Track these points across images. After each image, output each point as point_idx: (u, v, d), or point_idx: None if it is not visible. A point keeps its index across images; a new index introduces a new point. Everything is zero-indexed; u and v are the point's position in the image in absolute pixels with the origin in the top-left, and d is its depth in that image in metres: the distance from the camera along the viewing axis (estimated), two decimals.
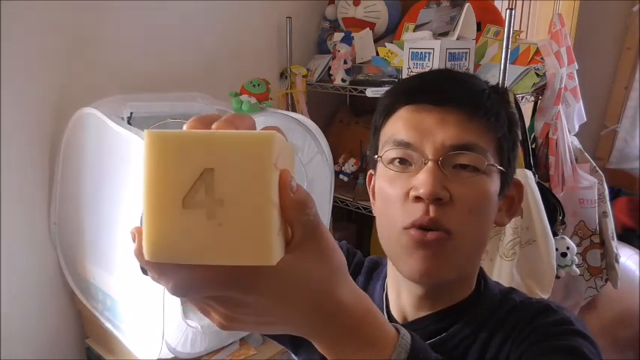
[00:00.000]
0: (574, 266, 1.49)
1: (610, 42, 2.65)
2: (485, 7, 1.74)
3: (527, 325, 0.58)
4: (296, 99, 1.98)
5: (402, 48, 1.66)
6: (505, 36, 1.42)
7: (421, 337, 0.42)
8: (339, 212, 2.08)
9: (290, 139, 0.36)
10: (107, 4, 1.51)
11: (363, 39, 1.91)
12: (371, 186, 0.68)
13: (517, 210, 0.66)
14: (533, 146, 1.69)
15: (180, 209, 0.29)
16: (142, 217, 0.30)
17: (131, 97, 1.45)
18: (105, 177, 1.33)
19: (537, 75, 1.60)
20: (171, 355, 1.29)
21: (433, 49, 1.50)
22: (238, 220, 0.29)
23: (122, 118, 1.36)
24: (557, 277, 1.46)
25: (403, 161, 0.59)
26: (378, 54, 1.83)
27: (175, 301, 1.24)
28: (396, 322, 0.65)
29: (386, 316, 0.59)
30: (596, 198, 1.72)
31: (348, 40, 1.89)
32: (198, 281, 0.31)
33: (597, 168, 1.78)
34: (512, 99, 1.46)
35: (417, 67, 1.56)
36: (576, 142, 1.80)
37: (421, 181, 0.56)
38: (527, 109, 1.76)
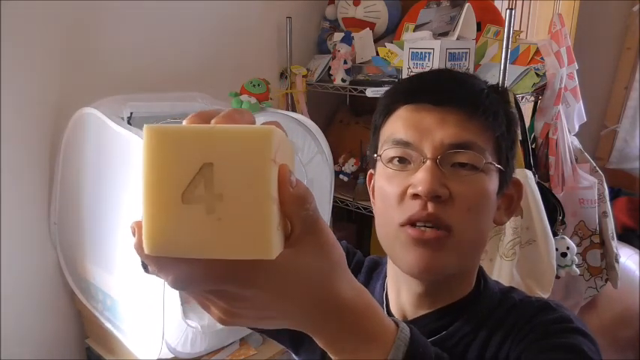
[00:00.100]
0: (574, 266, 1.49)
1: (610, 42, 2.65)
2: (485, 7, 1.74)
3: (527, 324, 0.58)
4: (296, 99, 1.98)
5: (402, 48, 1.66)
6: (505, 36, 1.42)
7: None
8: (339, 212, 2.08)
9: (290, 139, 0.36)
10: (107, 5, 1.51)
11: (363, 39, 1.91)
12: (371, 185, 0.68)
13: (516, 209, 0.67)
14: (533, 146, 1.69)
15: (180, 204, 0.29)
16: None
17: (131, 97, 1.45)
18: (105, 177, 1.33)
19: (537, 75, 1.60)
20: (171, 355, 1.29)
21: (433, 49, 1.50)
22: (237, 214, 0.29)
23: (122, 118, 1.36)
24: (557, 277, 1.46)
25: (402, 160, 0.60)
26: (378, 54, 1.83)
27: (175, 301, 1.25)
28: (392, 317, 0.66)
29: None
30: (596, 198, 1.72)
31: (348, 40, 1.89)
32: (198, 275, 0.31)
33: (597, 168, 1.78)
34: (512, 99, 1.46)
35: (417, 67, 1.56)
36: (576, 142, 1.80)
37: (419, 179, 0.56)
38: (527, 109, 1.76)
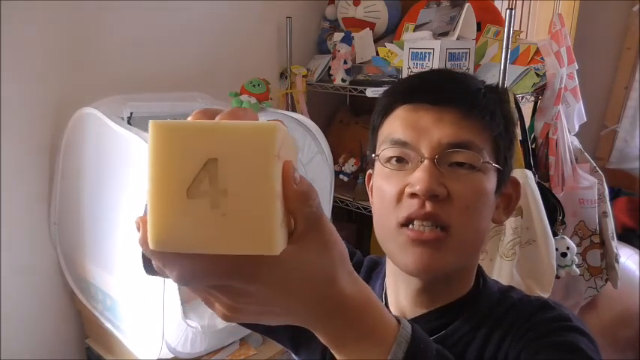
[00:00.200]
0: (574, 266, 1.49)
1: (610, 42, 2.65)
2: (485, 7, 1.74)
3: (526, 322, 0.58)
4: (296, 99, 1.98)
5: (402, 48, 1.66)
6: (505, 36, 1.42)
7: None
8: (339, 212, 2.08)
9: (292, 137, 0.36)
10: (107, 4, 1.51)
11: (363, 39, 1.91)
12: (370, 185, 0.69)
13: (514, 208, 0.67)
14: (533, 146, 1.69)
15: (185, 199, 0.30)
16: (146, 207, 0.30)
17: (131, 97, 1.45)
18: (105, 177, 1.33)
19: (537, 75, 1.60)
20: (171, 355, 1.29)
21: (433, 49, 1.50)
22: (242, 210, 0.30)
23: (122, 118, 1.36)
24: (557, 277, 1.46)
25: (400, 160, 0.60)
26: (378, 54, 1.83)
27: (175, 301, 1.25)
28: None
29: None
30: (596, 198, 1.72)
31: (348, 40, 1.89)
32: (202, 270, 0.31)
33: (597, 168, 1.78)
34: (512, 99, 1.47)
35: (417, 67, 1.56)
36: (576, 142, 1.80)
37: (417, 178, 0.56)
38: (527, 109, 1.76)
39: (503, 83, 1.45)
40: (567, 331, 0.55)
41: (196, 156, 0.30)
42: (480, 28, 1.70)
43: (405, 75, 1.61)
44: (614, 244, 1.76)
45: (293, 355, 0.73)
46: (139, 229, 0.32)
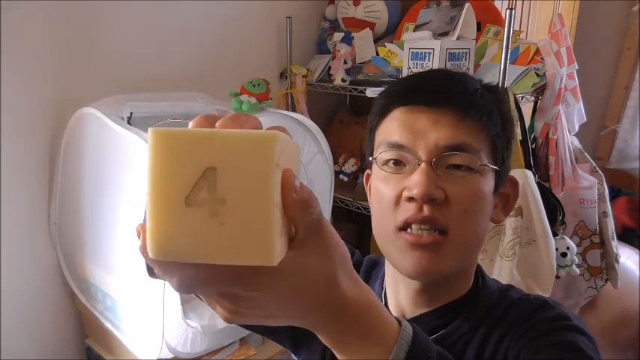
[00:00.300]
0: (574, 266, 1.49)
1: (610, 42, 2.65)
2: (485, 7, 1.74)
3: (525, 322, 0.58)
4: (296, 99, 1.98)
5: (402, 48, 1.66)
6: (505, 36, 1.42)
7: None
8: (339, 212, 2.08)
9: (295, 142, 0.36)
10: (107, 5, 1.51)
11: (363, 39, 1.91)
12: (368, 185, 0.69)
13: (513, 207, 0.67)
14: (533, 146, 1.68)
15: (183, 207, 0.29)
16: (145, 213, 0.30)
17: (131, 97, 1.45)
18: (105, 177, 1.33)
19: (537, 75, 1.60)
20: (171, 355, 1.29)
21: (433, 49, 1.50)
22: (240, 219, 0.29)
23: (122, 118, 1.36)
24: (557, 277, 1.46)
25: (397, 162, 0.60)
26: (378, 54, 1.83)
27: (175, 301, 1.25)
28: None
29: None
30: (596, 198, 1.72)
31: (348, 40, 1.89)
32: (202, 279, 0.31)
33: (597, 168, 1.78)
34: (512, 99, 1.47)
35: (417, 67, 1.56)
36: (576, 142, 1.80)
37: (414, 181, 0.56)
38: (527, 109, 1.76)
39: (503, 83, 1.45)
40: (567, 330, 0.56)
41: (195, 164, 0.29)
42: (480, 28, 1.70)
43: (405, 75, 1.61)
44: (614, 244, 1.76)
45: (293, 355, 0.73)
46: (139, 237, 0.32)
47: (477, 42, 1.65)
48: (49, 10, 1.40)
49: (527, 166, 1.51)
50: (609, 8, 2.63)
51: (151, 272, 0.34)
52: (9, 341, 1.48)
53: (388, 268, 0.68)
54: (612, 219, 1.78)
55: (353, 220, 2.24)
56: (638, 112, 2.60)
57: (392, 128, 0.61)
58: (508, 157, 0.63)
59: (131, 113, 1.41)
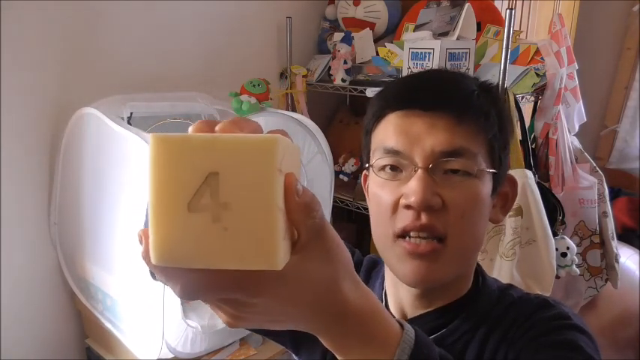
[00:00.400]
0: (574, 266, 1.49)
1: (610, 42, 2.65)
2: (485, 7, 1.74)
3: (526, 321, 0.58)
4: (296, 99, 1.98)
5: (402, 48, 1.66)
6: (505, 36, 1.42)
7: None
8: (339, 212, 2.08)
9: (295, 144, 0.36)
10: (107, 4, 1.51)
11: (363, 39, 1.91)
12: (366, 186, 0.68)
13: (512, 206, 0.67)
14: (533, 146, 1.68)
15: (186, 213, 0.29)
16: (146, 217, 0.30)
17: (131, 97, 1.45)
18: (105, 177, 1.33)
19: (537, 75, 1.60)
20: (171, 355, 1.29)
21: (433, 49, 1.50)
22: (243, 224, 0.29)
23: (122, 118, 1.36)
24: (557, 277, 1.46)
25: (394, 168, 0.59)
26: (378, 54, 1.83)
27: (175, 301, 1.25)
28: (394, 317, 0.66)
29: None
30: (596, 198, 1.72)
31: (348, 40, 1.89)
32: (205, 285, 0.31)
33: (597, 168, 1.78)
34: (512, 99, 1.47)
35: (417, 67, 1.56)
36: (576, 142, 1.80)
37: (411, 189, 0.56)
38: (527, 109, 1.76)
39: (503, 83, 1.45)
40: (567, 330, 0.56)
41: (197, 170, 0.29)
42: (480, 28, 1.70)
43: (404, 74, 1.61)
44: (614, 244, 1.76)
45: (294, 355, 0.73)
46: (141, 243, 0.32)
47: (477, 42, 1.65)
48: (49, 10, 1.40)
49: (527, 166, 1.51)
50: (609, 8, 2.63)
51: (154, 275, 0.34)
52: (9, 341, 1.48)
53: (388, 269, 0.68)
54: (612, 219, 1.78)
55: (353, 220, 2.23)
56: (638, 112, 2.60)
57: (388, 133, 0.60)
58: (506, 157, 0.63)
59: (131, 113, 1.41)
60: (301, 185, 0.32)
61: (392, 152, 0.59)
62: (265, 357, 1.52)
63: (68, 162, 1.43)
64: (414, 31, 1.82)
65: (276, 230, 0.30)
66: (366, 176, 0.68)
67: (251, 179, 0.29)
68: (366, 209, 0.57)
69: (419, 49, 1.55)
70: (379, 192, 0.60)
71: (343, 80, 1.88)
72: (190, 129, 0.33)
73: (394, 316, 0.63)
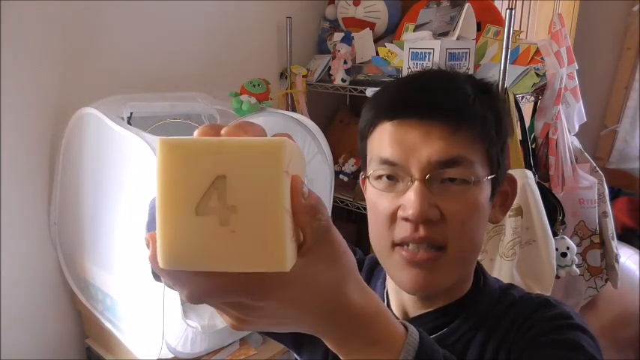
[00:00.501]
0: (574, 266, 1.49)
1: (610, 42, 2.65)
2: (485, 7, 1.74)
3: (527, 320, 0.58)
4: (296, 99, 1.98)
5: (402, 48, 1.66)
6: (505, 36, 1.42)
7: None
8: (339, 212, 2.08)
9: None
10: (107, 5, 1.51)
11: (363, 39, 1.91)
12: (364, 186, 0.68)
13: (511, 204, 0.66)
14: (533, 146, 1.68)
15: (194, 216, 0.30)
16: (148, 219, 0.30)
17: (131, 97, 1.45)
18: (105, 177, 1.33)
19: (537, 75, 1.60)
20: (171, 355, 1.29)
21: (433, 49, 1.50)
22: (251, 226, 0.30)
23: (122, 118, 1.36)
24: (557, 277, 1.46)
25: (391, 177, 0.59)
26: (378, 54, 1.83)
27: (175, 301, 1.25)
28: (397, 319, 0.66)
29: None
30: (596, 198, 1.72)
31: (348, 40, 1.89)
32: (212, 289, 0.31)
33: (597, 168, 1.78)
34: (512, 99, 1.47)
35: (417, 67, 1.56)
36: (576, 142, 1.80)
37: (409, 202, 0.55)
38: (527, 109, 1.76)
39: (503, 83, 1.45)
40: (568, 329, 0.56)
41: (205, 173, 0.30)
42: (480, 28, 1.70)
43: (404, 74, 1.61)
44: (614, 244, 1.76)
45: (295, 355, 0.74)
46: (148, 247, 0.32)
47: (477, 42, 1.65)
48: (49, 10, 1.39)
49: (527, 166, 1.51)
50: (609, 8, 2.63)
51: (155, 276, 0.34)
52: (9, 341, 1.48)
53: None
54: (612, 219, 1.78)
55: (353, 220, 2.23)
56: (638, 112, 2.60)
57: (383, 143, 0.59)
58: (504, 158, 0.62)
59: (131, 113, 1.41)
60: (307, 188, 0.33)
61: (388, 163, 0.58)
62: (265, 357, 1.52)
63: (68, 162, 1.43)
64: (414, 31, 1.82)
65: (283, 232, 0.30)
66: (365, 179, 0.68)
67: (259, 182, 0.29)
68: (366, 209, 0.57)
69: (419, 49, 1.55)
70: (377, 201, 0.60)
71: (343, 80, 1.88)
72: (196, 133, 0.33)
73: (397, 317, 0.63)
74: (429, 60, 1.52)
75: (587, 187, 1.71)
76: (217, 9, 1.78)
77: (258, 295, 0.32)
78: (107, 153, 1.32)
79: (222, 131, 0.32)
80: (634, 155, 2.65)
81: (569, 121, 1.74)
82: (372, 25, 1.94)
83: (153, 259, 0.31)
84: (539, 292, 1.41)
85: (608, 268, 1.78)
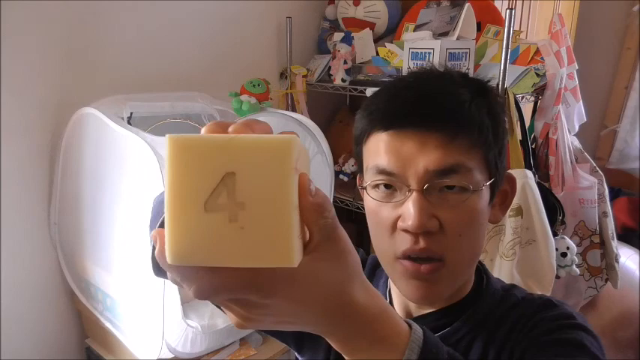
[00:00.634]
0: (574, 266, 1.49)
1: (610, 42, 2.65)
2: (485, 7, 1.74)
3: (529, 321, 0.58)
4: (296, 99, 1.98)
5: (402, 48, 1.66)
6: (505, 36, 1.42)
7: None
8: (339, 212, 2.08)
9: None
10: (107, 5, 1.51)
11: (363, 39, 1.91)
12: (363, 195, 0.68)
13: (510, 203, 0.66)
14: (533, 146, 1.68)
15: (203, 213, 0.30)
16: (150, 218, 0.30)
17: (131, 97, 1.45)
18: (105, 177, 1.33)
19: (537, 75, 1.60)
20: (171, 355, 1.29)
21: (433, 49, 1.50)
22: (260, 222, 0.30)
23: (122, 118, 1.36)
24: (557, 277, 1.46)
25: (388, 186, 0.58)
26: (378, 54, 1.83)
27: (175, 301, 1.25)
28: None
29: None
30: (596, 198, 1.72)
31: (348, 40, 1.89)
32: (220, 285, 0.32)
33: (597, 168, 1.78)
34: (512, 99, 1.47)
35: (417, 67, 1.55)
36: (576, 142, 1.80)
37: (408, 213, 0.55)
38: (527, 109, 1.76)
39: (503, 83, 1.45)
40: (571, 329, 0.56)
41: (214, 170, 0.30)
42: (480, 28, 1.70)
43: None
44: (614, 244, 1.76)
45: (296, 354, 0.74)
46: (156, 243, 0.32)
47: (477, 42, 1.65)
48: (49, 10, 1.40)
49: (527, 166, 1.51)
50: (609, 8, 2.63)
51: (158, 271, 0.34)
52: (9, 341, 1.48)
53: None
54: (612, 219, 1.78)
55: (353, 220, 2.23)
56: (638, 112, 2.60)
57: (379, 152, 0.58)
58: (502, 162, 0.61)
59: (131, 113, 1.41)
60: (314, 185, 0.33)
61: (385, 173, 0.58)
62: (265, 357, 1.52)
63: (68, 162, 1.43)
64: (414, 31, 1.82)
65: (292, 228, 0.30)
66: (361, 180, 0.68)
67: (268, 178, 0.30)
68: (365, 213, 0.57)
69: (419, 49, 1.55)
70: (377, 210, 0.59)
71: (343, 80, 1.88)
72: (203, 130, 0.34)
73: (398, 315, 0.63)
74: (429, 60, 1.52)
75: (587, 187, 1.71)
76: (217, 9, 1.78)
77: (264, 292, 0.32)
78: (107, 153, 1.32)
79: (230, 129, 0.32)
80: (634, 155, 2.65)
81: (569, 121, 1.74)
82: (372, 25, 1.94)
83: (160, 255, 0.32)
84: (539, 292, 1.41)
85: (608, 268, 1.78)
